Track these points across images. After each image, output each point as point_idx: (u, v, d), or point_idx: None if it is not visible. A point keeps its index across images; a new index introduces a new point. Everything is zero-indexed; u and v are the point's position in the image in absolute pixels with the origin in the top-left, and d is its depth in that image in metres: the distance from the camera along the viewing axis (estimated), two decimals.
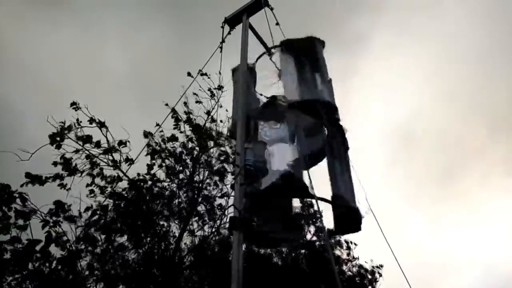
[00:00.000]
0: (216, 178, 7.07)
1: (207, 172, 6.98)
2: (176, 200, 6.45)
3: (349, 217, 4.96)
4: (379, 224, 5.25)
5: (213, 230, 6.98)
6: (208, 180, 7.03)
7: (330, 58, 6.34)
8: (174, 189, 6.58)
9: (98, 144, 5.79)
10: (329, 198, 4.99)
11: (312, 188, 4.84)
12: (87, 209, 5.34)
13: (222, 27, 7.01)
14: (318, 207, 4.57)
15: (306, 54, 6.14)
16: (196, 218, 6.67)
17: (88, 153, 5.72)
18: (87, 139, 5.75)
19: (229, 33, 7.00)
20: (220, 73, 7.28)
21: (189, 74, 7.21)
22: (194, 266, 6.13)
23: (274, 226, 5.33)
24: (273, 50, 6.63)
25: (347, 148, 5.46)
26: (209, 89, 7.55)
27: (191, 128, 7.09)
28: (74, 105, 5.88)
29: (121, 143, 5.99)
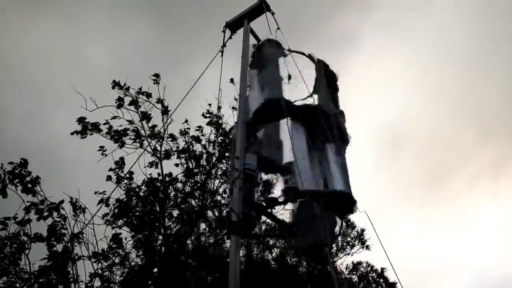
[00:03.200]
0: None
1: (222, 180, 6.94)
2: (188, 204, 6.43)
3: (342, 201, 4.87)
4: (375, 229, 5.18)
5: (220, 237, 6.92)
6: (222, 188, 6.97)
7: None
8: (188, 190, 6.57)
9: (153, 127, 6.03)
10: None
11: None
12: (100, 201, 5.38)
13: (223, 31, 7.02)
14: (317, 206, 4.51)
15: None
16: (205, 223, 6.64)
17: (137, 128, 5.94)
18: (146, 116, 5.99)
19: (230, 37, 7.02)
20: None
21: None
22: (196, 268, 6.10)
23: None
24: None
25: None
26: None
27: (216, 132, 7.07)
28: (156, 77, 6.09)
29: (171, 136, 6.16)
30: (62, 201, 4.65)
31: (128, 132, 6.19)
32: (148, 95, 6.34)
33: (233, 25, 7.03)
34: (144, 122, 6.29)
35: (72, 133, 5.63)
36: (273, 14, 6.82)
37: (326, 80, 6.13)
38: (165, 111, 6.42)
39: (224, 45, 6.93)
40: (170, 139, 6.51)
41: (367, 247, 11.08)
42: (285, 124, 5.27)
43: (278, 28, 6.67)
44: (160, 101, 6.39)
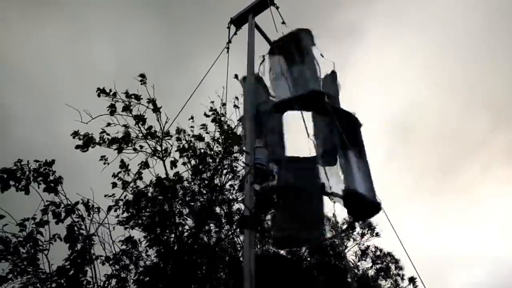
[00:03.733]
0: (237, 183, 7.00)
1: (229, 175, 6.92)
2: (197, 202, 6.43)
3: (364, 205, 4.98)
4: (390, 219, 5.20)
5: (229, 233, 6.93)
6: (229, 183, 6.96)
7: (322, 50, 6.36)
8: (195, 189, 6.57)
9: (149, 128, 5.97)
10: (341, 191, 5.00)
11: (330, 186, 4.84)
12: (109, 208, 5.38)
13: (228, 27, 7.01)
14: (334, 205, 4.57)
15: (294, 49, 6.17)
16: (213, 220, 6.64)
17: (136, 132, 5.90)
18: (141, 119, 5.93)
19: (235, 33, 7.00)
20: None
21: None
22: (208, 265, 6.12)
23: (292, 226, 5.33)
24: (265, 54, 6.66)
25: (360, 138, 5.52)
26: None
27: (219, 130, 7.01)
28: (142, 77, 6.07)
29: (167, 134, 6.14)
30: (77, 202, 4.71)
31: (131, 138, 6.12)
32: (137, 97, 6.21)
33: (238, 21, 7.01)
34: (140, 125, 6.21)
35: (76, 147, 5.55)
36: (277, 8, 6.80)
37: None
38: (155, 109, 6.32)
39: (229, 41, 6.91)
40: (168, 137, 6.42)
41: (377, 234, 11.21)
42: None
43: (283, 22, 6.66)
44: (151, 101, 6.30)
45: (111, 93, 5.91)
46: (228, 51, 6.83)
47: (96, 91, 5.87)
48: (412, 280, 11.14)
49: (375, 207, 4.98)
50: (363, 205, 4.98)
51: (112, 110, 5.88)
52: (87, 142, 5.59)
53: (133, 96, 6.06)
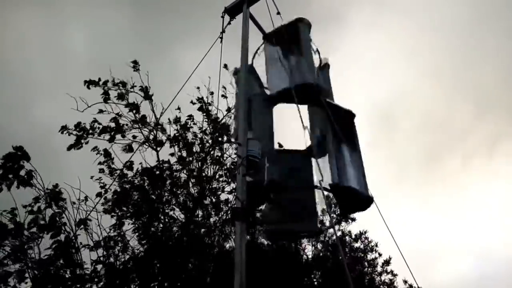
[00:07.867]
0: (225, 173, 6.97)
1: (217, 166, 6.90)
2: (184, 190, 6.42)
3: (355, 199, 5.02)
4: (381, 212, 5.24)
5: (217, 223, 6.93)
6: (218, 173, 6.93)
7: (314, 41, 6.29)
8: (185, 178, 6.55)
9: (143, 118, 5.91)
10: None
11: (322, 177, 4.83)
12: (98, 194, 5.35)
13: (222, 16, 6.93)
14: (324, 196, 4.54)
15: (291, 40, 6.14)
16: (202, 210, 6.64)
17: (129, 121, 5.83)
18: (135, 107, 5.86)
19: (229, 23, 6.93)
20: (225, 66, 7.08)
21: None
22: (196, 257, 6.13)
23: (283, 219, 5.32)
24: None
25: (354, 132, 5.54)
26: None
27: (207, 120, 6.98)
28: (135, 64, 5.98)
29: (157, 124, 6.10)
30: (59, 192, 4.65)
31: (123, 127, 6.04)
32: (124, 84, 6.12)
33: (232, 10, 6.93)
34: (133, 113, 6.15)
35: (68, 148, 5.43)
36: None
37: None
38: (147, 96, 6.26)
39: (223, 31, 6.84)
40: (159, 127, 6.41)
41: (353, 220, 11.45)
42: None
43: (278, 13, 6.60)
44: (143, 89, 6.24)
45: (101, 82, 5.82)
46: (221, 41, 6.77)
47: (84, 84, 5.76)
48: (387, 262, 11.34)
49: (367, 201, 5.01)
50: (354, 199, 5.01)
51: (106, 97, 5.81)
52: (79, 138, 5.46)
53: (119, 84, 5.98)
